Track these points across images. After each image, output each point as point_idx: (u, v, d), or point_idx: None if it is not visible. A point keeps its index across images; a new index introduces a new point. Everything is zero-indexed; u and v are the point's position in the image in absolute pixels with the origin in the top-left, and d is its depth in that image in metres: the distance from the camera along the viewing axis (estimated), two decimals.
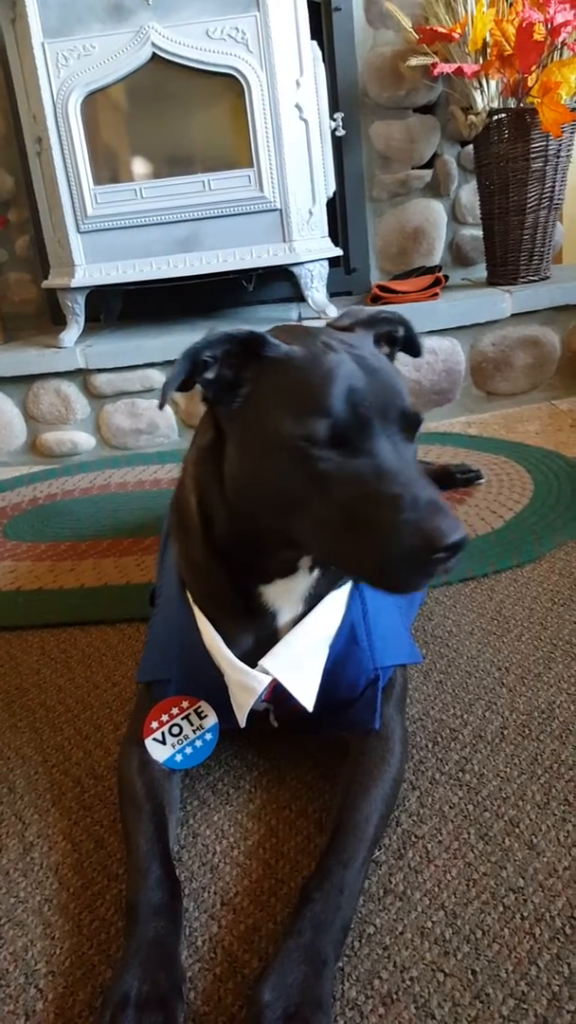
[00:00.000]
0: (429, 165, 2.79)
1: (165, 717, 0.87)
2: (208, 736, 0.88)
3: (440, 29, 2.32)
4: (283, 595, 0.82)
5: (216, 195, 2.22)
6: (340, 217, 2.80)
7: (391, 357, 0.88)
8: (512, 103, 2.29)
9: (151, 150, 2.30)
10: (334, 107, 2.62)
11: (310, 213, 2.31)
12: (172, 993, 0.64)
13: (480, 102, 2.34)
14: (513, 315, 2.36)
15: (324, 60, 2.39)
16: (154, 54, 2.13)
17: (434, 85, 2.62)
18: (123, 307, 2.86)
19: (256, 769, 0.94)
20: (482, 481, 1.77)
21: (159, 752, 0.86)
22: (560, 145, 2.29)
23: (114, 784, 0.92)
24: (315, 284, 2.34)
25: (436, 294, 2.46)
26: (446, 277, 2.58)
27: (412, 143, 2.74)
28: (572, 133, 2.31)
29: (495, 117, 2.28)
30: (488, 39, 2.26)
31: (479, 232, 2.62)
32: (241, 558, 0.80)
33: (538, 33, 2.12)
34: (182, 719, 0.88)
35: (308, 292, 2.34)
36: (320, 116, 2.30)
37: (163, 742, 0.87)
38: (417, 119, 2.72)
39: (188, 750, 0.87)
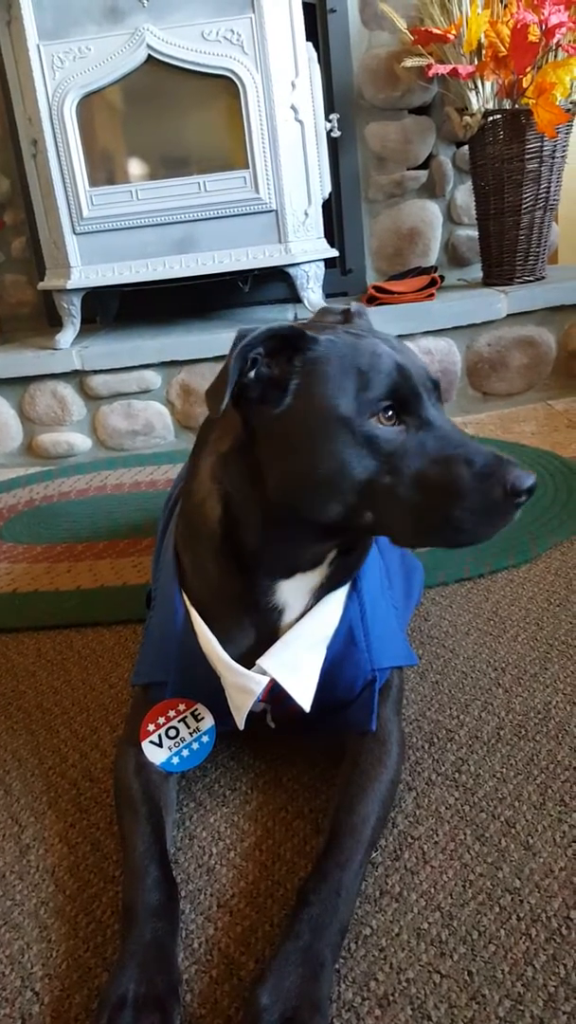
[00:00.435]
0: (424, 166, 2.79)
1: (162, 720, 0.87)
2: (205, 739, 0.88)
3: (435, 30, 2.32)
4: (297, 590, 0.81)
5: (212, 196, 2.22)
6: (336, 218, 2.80)
7: None
8: (507, 104, 2.30)
9: (147, 152, 2.30)
10: (329, 108, 2.62)
11: (306, 214, 2.31)
12: (169, 995, 0.64)
13: (475, 103, 2.35)
14: (509, 315, 2.36)
15: (319, 61, 2.39)
16: (149, 56, 2.13)
17: (429, 86, 2.62)
18: (119, 308, 2.86)
19: (252, 771, 0.94)
20: None
21: (156, 755, 0.86)
22: (555, 146, 2.29)
23: (110, 786, 0.92)
24: (311, 285, 2.34)
25: (432, 295, 2.47)
26: (442, 277, 2.59)
27: (407, 144, 2.74)
28: (567, 134, 2.32)
29: (490, 118, 2.29)
30: (483, 40, 2.26)
31: (475, 233, 2.63)
32: (271, 557, 0.78)
33: (533, 34, 2.12)
34: (179, 722, 0.88)
35: (304, 293, 2.34)
36: (315, 117, 2.30)
37: (160, 745, 0.87)
38: (412, 120, 2.73)
39: (185, 752, 0.87)
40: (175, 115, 2.26)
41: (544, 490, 1.68)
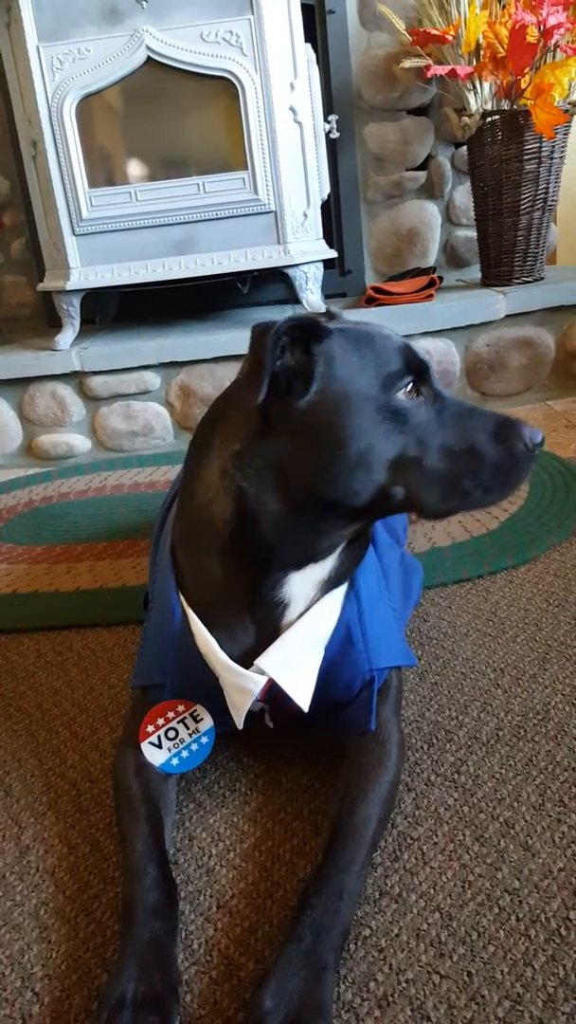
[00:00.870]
0: (423, 167, 2.79)
1: (161, 721, 0.87)
2: (204, 740, 0.88)
3: (433, 31, 2.33)
4: (306, 582, 0.81)
5: (211, 197, 2.22)
6: (334, 219, 2.81)
7: None
8: (505, 105, 2.30)
9: (146, 153, 2.30)
10: (328, 109, 2.63)
11: (304, 215, 2.31)
12: (168, 995, 0.64)
13: (474, 104, 2.35)
14: (507, 316, 2.36)
15: (318, 62, 2.39)
16: (149, 57, 2.13)
17: (428, 87, 2.62)
18: (118, 309, 2.87)
19: (252, 772, 0.94)
20: None
21: (155, 756, 0.86)
22: (553, 146, 2.29)
23: (110, 787, 0.92)
24: (310, 286, 2.34)
25: (431, 295, 2.47)
26: (440, 278, 2.59)
27: (406, 145, 2.74)
28: (565, 135, 2.32)
29: (488, 119, 2.29)
30: (481, 41, 2.26)
31: (473, 233, 2.63)
32: (288, 548, 0.78)
33: (531, 35, 2.12)
34: (178, 723, 0.88)
35: (303, 294, 2.34)
36: (314, 118, 2.30)
37: (159, 746, 0.87)
38: (411, 121, 2.73)
39: (184, 754, 0.87)
40: (174, 116, 2.26)
41: (543, 491, 1.69)
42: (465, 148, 2.50)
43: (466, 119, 2.35)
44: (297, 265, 2.29)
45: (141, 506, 1.91)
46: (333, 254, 2.46)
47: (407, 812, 0.84)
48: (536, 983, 0.64)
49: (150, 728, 0.87)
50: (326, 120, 2.52)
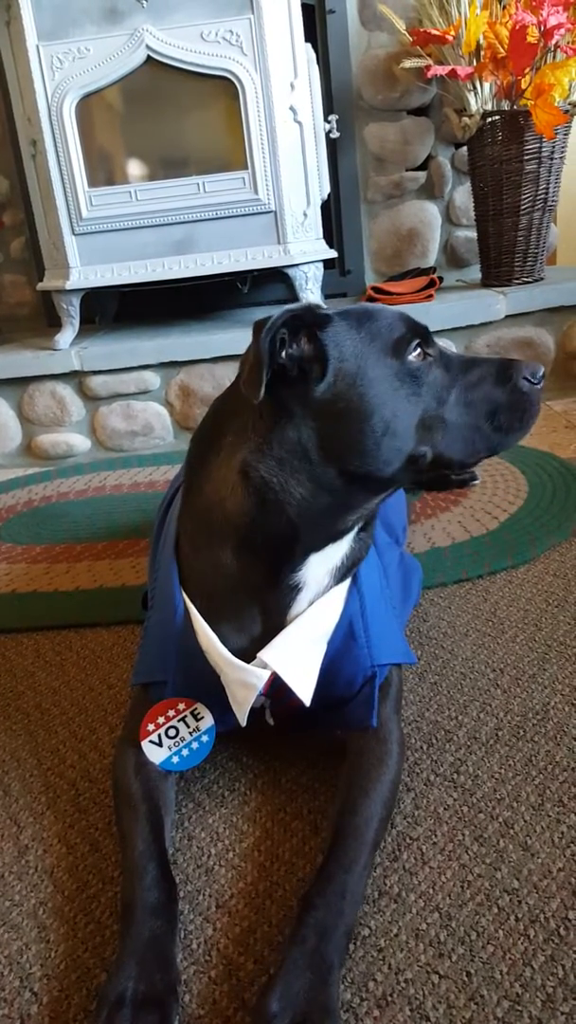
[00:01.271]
0: (423, 167, 2.79)
1: (162, 719, 0.87)
2: (204, 738, 0.88)
3: (434, 31, 2.33)
4: (322, 565, 0.82)
5: (211, 197, 2.22)
6: (334, 219, 2.81)
7: None
8: (506, 105, 2.30)
9: (146, 152, 2.30)
10: (328, 109, 2.63)
11: (304, 215, 2.31)
12: (168, 994, 0.64)
13: (474, 104, 2.35)
14: (507, 316, 2.36)
15: (318, 62, 2.39)
16: (148, 56, 2.13)
17: (428, 87, 2.62)
18: (118, 309, 2.87)
19: (251, 771, 0.94)
20: (476, 482, 1.78)
21: (155, 754, 0.86)
22: (553, 147, 2.29)
23: (109, 787, 0.92)
24: (310, 286, 2.34)
25: (431, 295, 2.47)
26: (440, 278, 2.59)
27: (406, 145, 2.74)
28: (565, 135, 2.32)
29: (489, 119, 2.29)
30: (482, 41, 2.26)
31: (473, 234, 2.63)
32: (312, 530, 0.79)
33: (531, 35, 2.12)
34: (178, 721, 0.88)
35: (303, 294, 2.34)
36: (314, 118, 2.30)
37: (159, 744, 0.87)
38: (411, 121, 2.73)
39: (184, 752, 0.87)
40: (174, 116, 2.26)
41: (543, 491, 1.69)
42: (465, 148, 2.50)
43: (466, 119, 2.35)
44: (297, 265, 2.29)
45: (141, 506, 1.91)
46: (333, 254, 2.46)
47: (406, 812, 0.84)
48: (535, 983, 0.64)
49: (150, 726, 0.87)
50: (326, 120, 2.52)
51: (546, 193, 2.36)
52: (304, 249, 2.31)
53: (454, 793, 0.86)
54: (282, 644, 0.81)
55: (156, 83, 2.19)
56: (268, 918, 0.73)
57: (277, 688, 0.83)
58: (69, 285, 2.31)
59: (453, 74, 2.26)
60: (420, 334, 0.79)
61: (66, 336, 2.41)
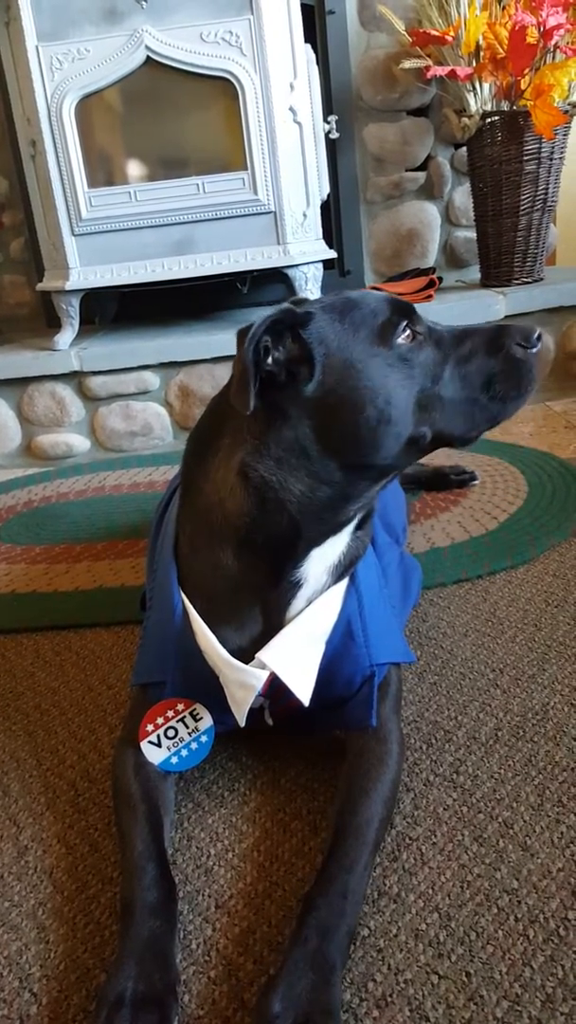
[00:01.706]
0: (423, 167, 2.80)
1: (161, 720, 0.87)
2: (204, 739, 0.88)
3: (433, 32, 2.33)
4: (322, 560, 0.82)
5: (210, 198, 2.22)
6: (334, 219, 2.81)
7: None
8: (505, 106, 2.30)
9: (145, 153, 2.30)
10: (328, 110, 2.63)
11: (304, 216, 2.31)
12: (167, 994, 0.64)
13: (473, 105, 2.35)
14: (507, 316, 2.36)
15: (318, 63, 2.39)
16: (148, 57, 2.13)
17: (427, 88, 2.62)
18: (118, 309, 2.87)
19: (250, 771, 0.94)
20: (476, 482, 1.78)
21: (154, 754, 0.86)
22: (553, 147, 2.30)
23: (108, 787, 0.92)
24: (309, 286, 2.34)
25: (430, 296, 2.47)
26: (440, 279, 2.59)
27: (405, 145, 2.74)
28: (565, 135, 2.32)
29: (488, 120, 2.29)
30: (481, 42, 2.27)
31: (473, 234, 2.63)
32: (313, 524, 0.79)
33: (531, 36, 2.12)
34: (177, 722, 0.88)
35: (302, 295, 2.34)
36: (314, 119, 2.30)
37: (158, 744, 0.87)
38: (410, 121, 2.73)
39: (184, 752, 0.87)
40: (174, 116, 2.27)
41: (542, 491, 1.69)
42: (465, 149, 2.50)
43: (466, 120, 2.35)
44: (297, 265, 2.29)
45: (140, 506, 1.91)
46: (333, 254, 2.46)
47: (406, 812, 0.84)
48: (535, 983, 0.64)
49: (149, 727, 0.87)
50: (326, 120, 2.52)
51: (545, 193, 2.36)
52: (304, 249, 2.31)
53: (453, 793, 0.86)
54: (280, 644, 0.81)
55: (155, 84, 2.19)
56: (267, 918, 0.73)
57: (276, 688, 0.83)
58: (69, 286, 2.31)
59: (452, 75, 2.26)
60: (406, 314, 0.78)
61: (66, 336, 2.41)
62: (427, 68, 2.32)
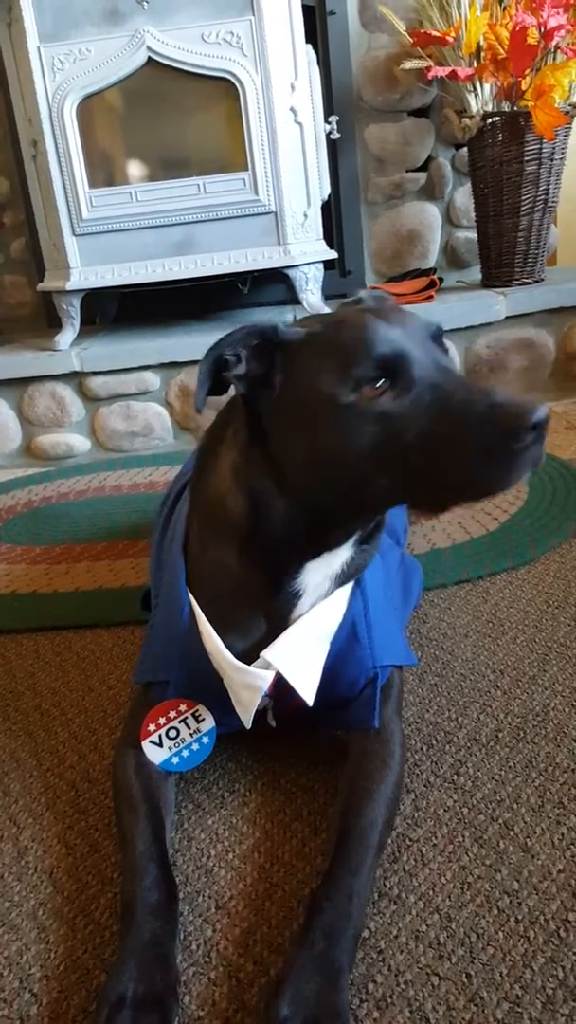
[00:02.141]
0: (423, 168, 2.79)
1: (163, 720, 0.87)
2: (205, 740, 0.88)
3: (434, 33, 2.33)
4: (320, 571, 0.82)
5: (211, 198, 2.22)
6: (335, 220, 2.80)
7: None
8: (506, 106, 2.30)
9: (146, 153, 2.30)
10: (329, 110, 2.62)
11: (305, 216, 2.31)
12: (168, 994, 0.64)
13: (474, 105, 2.35)
14: (508, 317, 2.36)
15: (319, 63, 2.39)
16: (149, 58, 2.13)
17: (428, 88, 2.62)
18: (118, 310, 2.86)
19: (251, 772, 0.94)
20: None
21: (155, 754, 0.86)
22: (554, 148, 2.29)
23: (109, 788, 0.92)
24: (310, 287, 2.34)
25: (431, 296, 2.47)
26: (441, 279, 2.59)
27: (406, 146, 2.74)
28: (565, 136, 2.32)
29: (489, 120, 2.29)
30: (482, 43, 2.26)
31: (473, 234, 2.63)
32: (300, 540, 0.79)
33: (531, 37, 2.12)
34: (179, 722, 0.88)
35: (303, 295, 2.34)
36: (315, 119, 2.30)
37: (160, 745, 0.87)
38: (411, 122, 2.73)
39: (185, 753, 0.87)
40: (175, 117, 2.26)
41: (543, 492, 1.68)
42: (465, 149, 2.49)
43: (467, 120, 2.35)
44: (297, 266, 2.29)
45: (140, 507, 1.91)
46: (333, 255, 2.46)
47: (406, 813, 0.84)
48: (535, 985, 0.64)
49: (151, 727, 0.87)
50: (327, 121, 2.52)
51: (546, 194, 2.36)
52: (304, 250, 2.31)
53: (454, 795, 0.86)
54: (285, 644, 0.82)
55: (157, 84, 2.19)
56: (268, 919, 0.73)
57: (280, 689, 0.83)
58: (69, 286, 2.31)
59: (453, 75, 2.26)
60: (387, 366, 0.70)
61: (66, 337, 2.41)
62: (428, 69, 2.32)
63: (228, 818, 0.87)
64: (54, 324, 2.69)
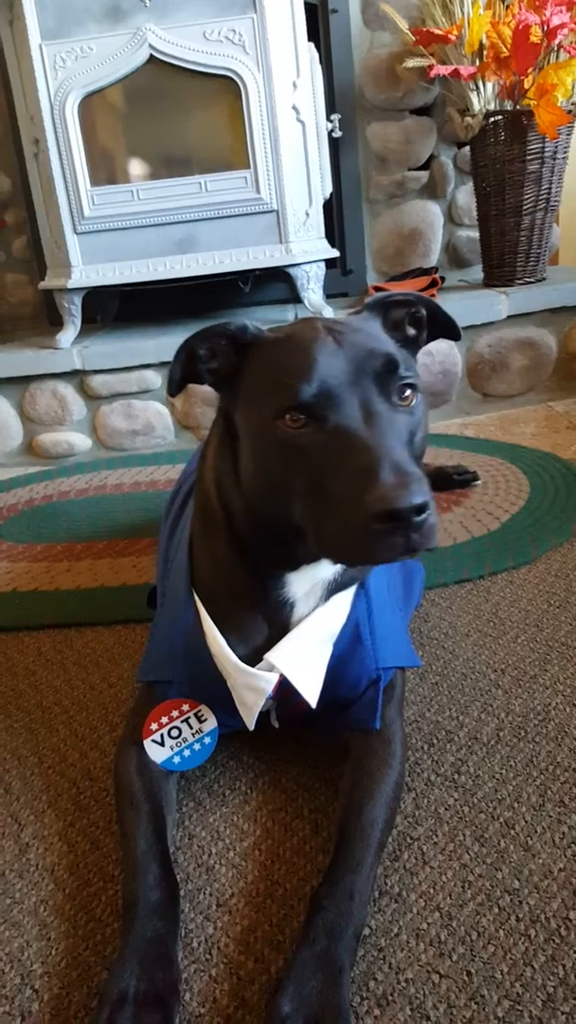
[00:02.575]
0: (425, 167, 2.79)
1: (165, 719, 0.87)
2: (207, 740, 0.88)
3: (437, 31, 2.32)
4: (307, 583, 0.82)
5: (213, 196, 2.22)
6: (337, 218, 2.80)
7: (419, 342, 0.86)
8: (508, 105, 2.30)
9: (148, 151, 2.30)
10: (331, 109, 2.62)
11: (306, 214, 2.31)
12: (169, 992, 0.64)
13: (476, 104, 2.35)
14: (509, 317, 2.36)
15: (321, 62, 2.39)
16: (151, 56, 2.13)
17: (431, 87, 2.62)
18: (120, 308, 2.86)
19: (252, 771, 0.94)
20: (478, 483, 1.78)
21: (157, 753, 0.86)
22: (556, 147, 2.29)
23: (110, 785, 0.92)
24: (311, 285, 2.34)
25: (432, 295, 2.47)
26: (442, 278, 2.59)
27: (408, 145, 2.74)
28: (568, 135, 2.32)
29: (491, 119, 2.29)
30: (484, 41, 2.26)
31: (475, 234, 2.63)
32: (265, 548, 0.80)
33: (534, 35, 2.12)
34: (182, 722, 0.88)
35: (304, 293, 2.34)
36: (317, 118, 2.30)
37: (161, 744, 0.87)
38: (414, 121, 2.73)
39: (186, 753, 0.87)
40: (176, 115, 2.26)
41: (544, 492, 1.69)
42: (468, 148, 2.49)
43: (469, 119, 2.35)
44: (299, 264, 2.29)
45: (142, 505, 1.91)
46: (335, 253, 2.46)
47: (407, 812, 0.84)
48: (536, 983, 0.64)
49: (153, 726, 0.87)
50: (329, 119, 2.52)
51: (548, 193, 2.36)
52: (306, 248, 2.31)
53: (455, 793, 0.86)
54: (289, 646, 0.82)
55: (158, 82, 2.19)
56: (269, 917, 0.73)
57: (283, 691, 0.83)
58: (71, 284, 2.31)
59: (456, 74, 2.26)
60: (310, 405, 0.67)
61: (67, 335, 2.41)
62: (430, 67, 2.32)
63: (229, 816, 0.87)
64: (55, 322, 2.70)
